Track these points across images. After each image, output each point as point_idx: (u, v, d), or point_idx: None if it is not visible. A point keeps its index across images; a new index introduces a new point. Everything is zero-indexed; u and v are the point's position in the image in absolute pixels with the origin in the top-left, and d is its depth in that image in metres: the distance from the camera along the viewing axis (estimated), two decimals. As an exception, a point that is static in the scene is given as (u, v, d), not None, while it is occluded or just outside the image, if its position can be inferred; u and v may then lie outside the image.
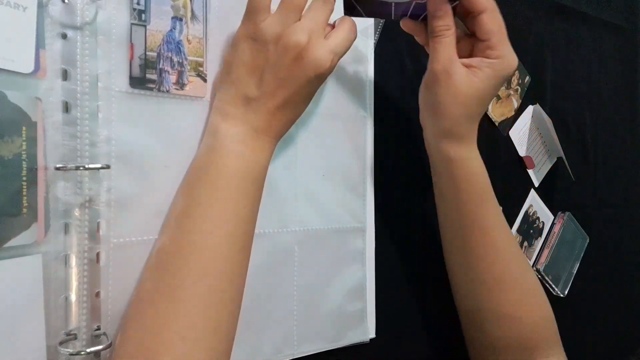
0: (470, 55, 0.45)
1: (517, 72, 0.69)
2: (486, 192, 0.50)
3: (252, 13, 0.39)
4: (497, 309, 0.50)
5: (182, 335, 0.34)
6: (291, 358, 0.47)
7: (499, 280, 0.50)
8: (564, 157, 0.73)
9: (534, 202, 0.71)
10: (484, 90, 0.45)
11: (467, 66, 0.44)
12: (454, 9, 0.44)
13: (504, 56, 0.44)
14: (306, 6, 0.40)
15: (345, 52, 0.41)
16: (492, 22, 0.43)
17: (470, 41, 0.46)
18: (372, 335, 0.52)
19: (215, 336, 0.35)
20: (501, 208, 0.51)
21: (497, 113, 0.67)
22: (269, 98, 0.39)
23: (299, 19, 0.39)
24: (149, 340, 0.34)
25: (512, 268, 0.50)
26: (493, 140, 0.67)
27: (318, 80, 0.40)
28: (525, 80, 0.71)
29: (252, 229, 0.40)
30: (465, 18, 0.45)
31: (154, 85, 0.39)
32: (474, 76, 0.44)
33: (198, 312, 0.35)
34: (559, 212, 0.76)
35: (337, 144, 0.50)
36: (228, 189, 0.38)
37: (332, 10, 0.41)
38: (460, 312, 0.55)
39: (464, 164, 0.48)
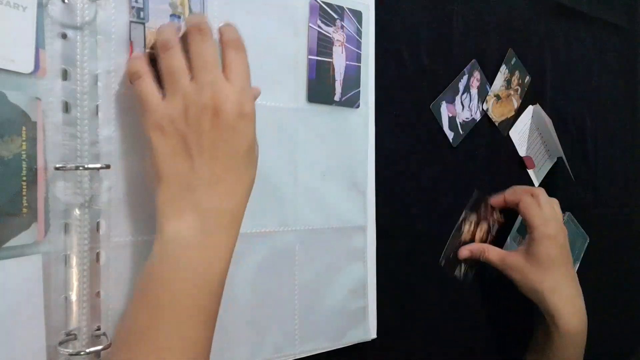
0: None
1: (517, 72, 0.69)
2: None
3: (144, 104, 0.35)
4: None
5: None
6: (292, 358, 0.47)
7: None
8: (564, 157, 0.73)
9: (534, 202, 0.71)
10: (547, 255, 0.57)
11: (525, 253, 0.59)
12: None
13: (539, 225, 0.58)
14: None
15: (248, 76, 0.37)
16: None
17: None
18: (374, 335, 0.52)
19: None
20: None
21: (497, 113, 0.67)
22: (210, 175, 0.35)
23: (190, 79, 0.35)
24: None
25: None
26: (493, 140, 0.67)
27: (247, 124, 0.36)
28: (525, 80, 0.71)
29: (205, 349, 0.35)
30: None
31: (154, 85, 0.39)
32: (532, 256, 0.58)
33: None
34: (559, 212, 0.76)
35: (338, 143, 0.50)
36: (173, 311, 0.33)
37: (213, 43, 0.36)
38: None
39: (561, 319, 0.57)
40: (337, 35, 0.49)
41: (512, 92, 0.69)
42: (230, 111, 0.34)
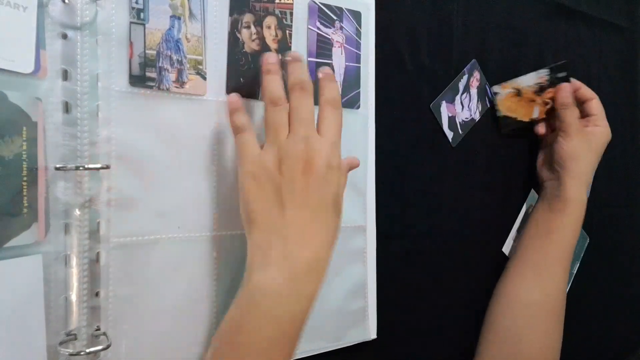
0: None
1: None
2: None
3: (244, 154, 0.39)
4: None
5: None
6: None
7: None
8: (564, 157, 0.72)
9: (534, 202, 0.71)
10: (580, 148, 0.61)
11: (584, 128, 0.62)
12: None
13: (604, 126, 0.63)
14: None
15: (340, 133, 0.41)
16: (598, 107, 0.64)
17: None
18: (374, 335, 0.52)
19: None
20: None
21: (504, 106, 0.65)
22: (300, 224, 0.37)
23: (288, 132, 0.38)
24: None
25: None
26: (493, 140, 0.67)
27: (334, 175, 0.39)
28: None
29: None
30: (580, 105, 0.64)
31: (153, 84, 0.39)
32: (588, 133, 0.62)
33: None
34: (559, 212, 0.76)
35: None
36: (255, 358, 0.35)
37: (311, 101, 0.40)
38: None
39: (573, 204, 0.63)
40: (336, 36, 0.49)
41: (538, 101, 0.64)
42: (320, 163, 0.38)
